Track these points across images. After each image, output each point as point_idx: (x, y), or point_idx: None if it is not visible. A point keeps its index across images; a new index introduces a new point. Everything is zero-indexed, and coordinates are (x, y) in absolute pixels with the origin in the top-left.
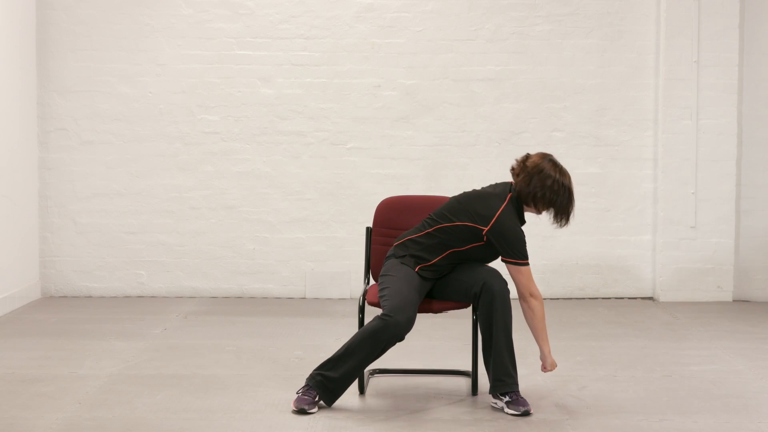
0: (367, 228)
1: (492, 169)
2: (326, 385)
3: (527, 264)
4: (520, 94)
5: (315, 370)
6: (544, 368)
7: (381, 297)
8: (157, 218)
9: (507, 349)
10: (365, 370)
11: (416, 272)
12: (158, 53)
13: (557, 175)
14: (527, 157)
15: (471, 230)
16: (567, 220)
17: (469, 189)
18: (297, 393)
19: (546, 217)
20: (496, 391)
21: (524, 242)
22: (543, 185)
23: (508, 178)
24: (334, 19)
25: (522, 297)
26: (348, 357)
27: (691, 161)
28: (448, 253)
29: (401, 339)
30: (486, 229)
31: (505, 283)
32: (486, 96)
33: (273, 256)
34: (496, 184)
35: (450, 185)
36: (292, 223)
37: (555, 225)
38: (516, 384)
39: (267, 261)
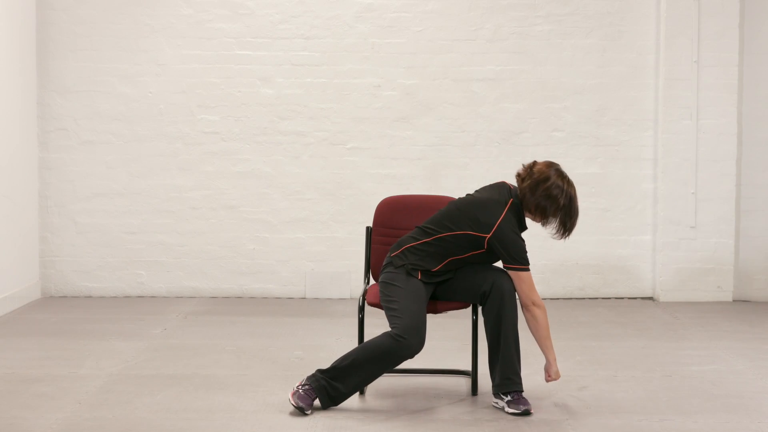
0: (367, 228)
1: (492, 169)
2: (329, 392)
3: (528, 270)
4: (520, 94)
5: (319, 372)
6: (549, 377)
7: (390, 311)
8: (157, 218)
9: (515, 348)
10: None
11: (420, 280)
12: (158, 53)
13: (565, 186)
14: (534, 164)
15: (472, 238)
16: (569, 232)
17: (469, 189)
18: (296, 388)
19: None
20: (501, 390)
21: (524, 249)
22: (548, 195)
23: (508, 178)
24: (334, 19)
25: (524, 306)
26: (355, 370)
27: (691, 161)
28: (449, 261)
29: (412, 358)
30: (487, 237)
31: (513, 282)
32: (486, 96)
33: (273, 256)
34: (494, 186)
35: (450, 185)
36: (292, 223)
37: (556, 236)
38: (521, 384)
39: (267, 261)
